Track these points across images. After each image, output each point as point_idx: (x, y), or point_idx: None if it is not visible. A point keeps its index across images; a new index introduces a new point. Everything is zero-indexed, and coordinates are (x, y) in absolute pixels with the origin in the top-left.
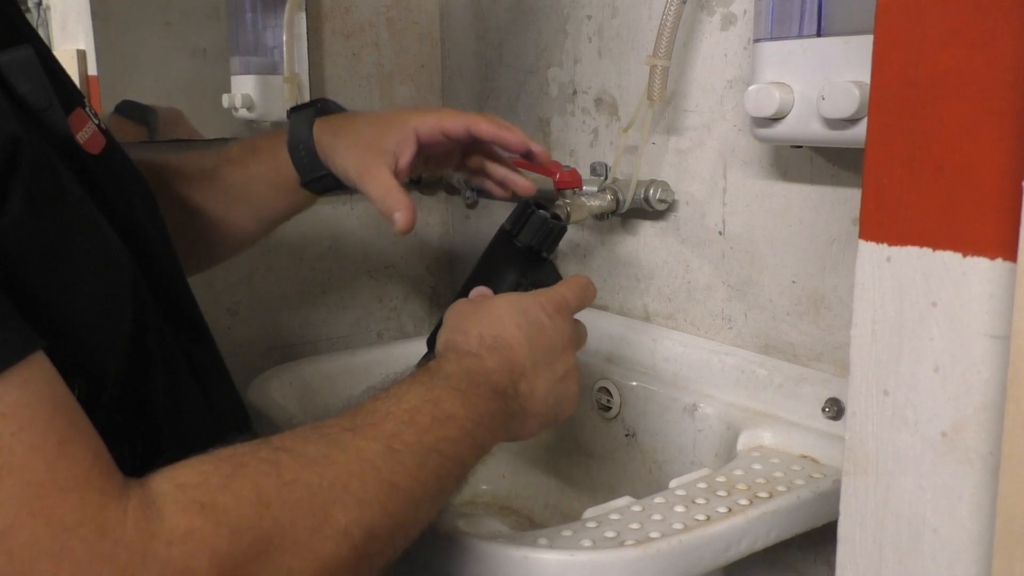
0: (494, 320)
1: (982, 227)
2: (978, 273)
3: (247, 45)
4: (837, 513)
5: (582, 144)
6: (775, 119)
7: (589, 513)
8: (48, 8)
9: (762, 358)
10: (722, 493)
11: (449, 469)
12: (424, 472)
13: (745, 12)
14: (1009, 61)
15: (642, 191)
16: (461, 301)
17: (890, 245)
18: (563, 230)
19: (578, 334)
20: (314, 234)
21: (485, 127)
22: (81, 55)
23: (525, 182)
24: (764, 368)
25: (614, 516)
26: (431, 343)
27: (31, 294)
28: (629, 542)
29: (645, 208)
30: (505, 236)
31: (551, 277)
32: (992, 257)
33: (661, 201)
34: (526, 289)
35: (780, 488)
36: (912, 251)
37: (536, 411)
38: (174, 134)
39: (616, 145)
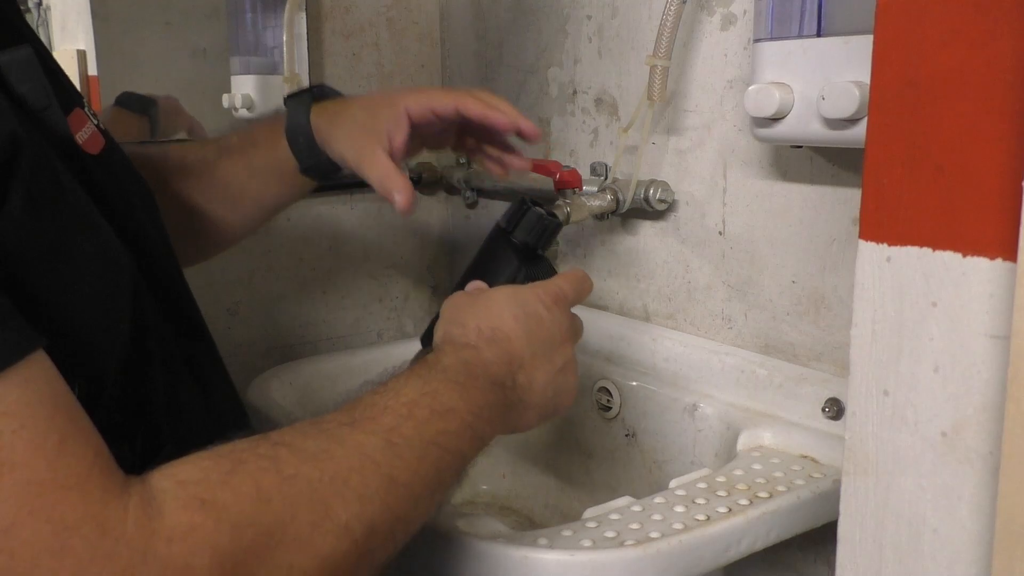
0: (492, 312)
1: (982, 227)
2: (978, 273)
3: (247, 45)
4: (837, 513)
5: (582, 144)
6: (775, 119)
7: (589, 513)
8: (48, 8)
9: (762, 358)
10: (722, 493)
11: (448, 462)
12: (424, 465)
13: (745, 12)
14: (1009, 61)
15: (642, 191)
16: (458, 294)
17: (890, 245)
18: (558, 226)
19: (575, 326)
20: (314, 234)
21: (473, 107)
22: (81, 55)
23: (520, 160)
24: (764, 368)
25: (614, 516)
26: (425, 340)
27: (31, 294)
28: (629, 542)
29: (645, 208)
30: (500, 233)
31: (547, 274)
32: (992, 257)
33: (661, 201)
34: (523, 280)
35: (780, 488)
36: (912, 251)
37: (535, 403)
38: (174, 125)
39: (616, 145)
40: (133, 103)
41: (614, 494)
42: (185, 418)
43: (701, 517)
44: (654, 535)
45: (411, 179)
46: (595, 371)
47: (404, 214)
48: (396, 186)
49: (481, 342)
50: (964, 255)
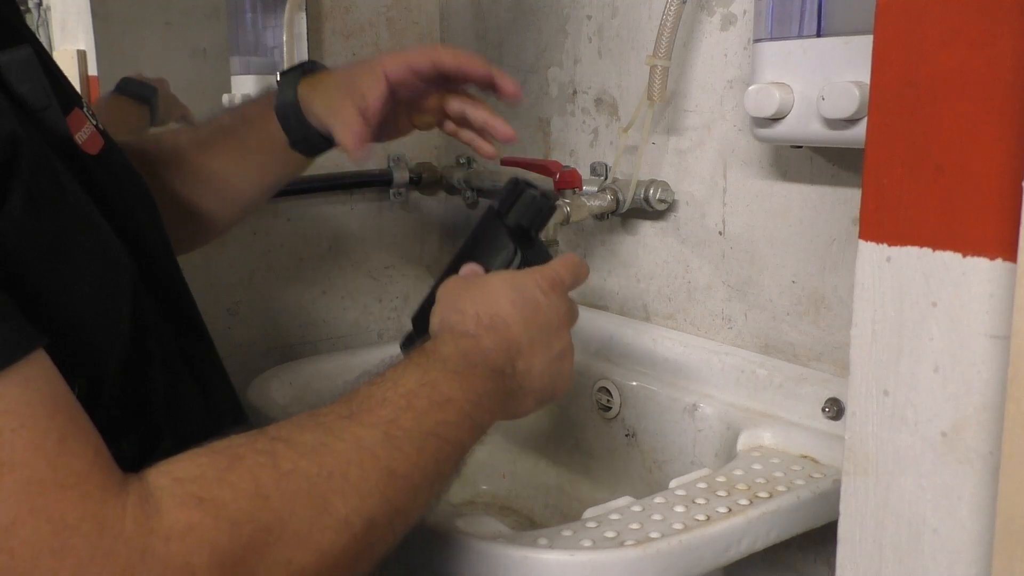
0: (489, 298)
1: (982, 227)
2: (978, 273)
3: (247, 45)
4: (837, 513)
5: (582, 144)
6: (775, 119)
7: (589, 513)
8: (48, 8)
9: (762, 358)
10: (722, 493)
11: (448, 452)
12: (423, 457)
13: (745, 12)
14: (1009, 61)
15: (642, 191)
16: (454, 278)
17: (890, 245)
18: (553, 209)
19: (572, 311)
20: (314, 234)
21: (447, 58)
22: (81, 55)
23: (505, 127)
24: (764, 368)
25: (614, 516)
26: (416, 321)
27: (31, 293)
28: (629, 542)
29: (645, 208)
30: (494, 215)
31: (542, 257)
32: (992, 257)
33: (661, 201)
34: (518, 265)
35: (780, 488)
36: (912, 251)
37: (532, 389)
38: (168, 113)
39: (616, 145)
40: (134, 90)
41: (614, 494)
42: (184, 418)
43: (701, 517)
44: (654, 535)
45: (411, 179)
46: (595, 371)
47: (352, 156)
48: (350, 132)
49: (480, 330)
50: (964, 255)
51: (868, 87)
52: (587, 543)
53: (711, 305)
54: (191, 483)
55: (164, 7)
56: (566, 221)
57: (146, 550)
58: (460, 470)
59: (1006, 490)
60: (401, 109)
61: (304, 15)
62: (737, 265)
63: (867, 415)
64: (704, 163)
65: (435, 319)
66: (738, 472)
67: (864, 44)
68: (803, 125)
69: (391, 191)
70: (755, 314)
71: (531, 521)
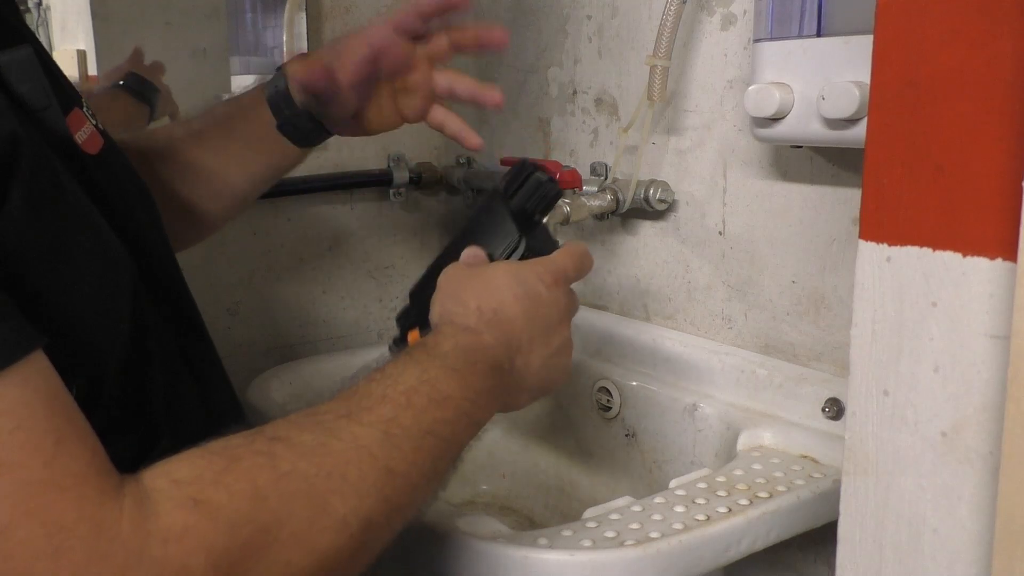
0: (492, 291)
1: (982, 227)
2: (978, 273)
3: (247, 45)
4: (837, 513)
5: (582, 144)
6: (775, 119)
7: (589, 513)
8: (48, 8)
9: (762, 358)
10: (722, 493)
11: (445, 450)
12: (421, 455)
13: (745, 12)
14: (1009, 61)
15: (642, 191)
16: (456, 266)
17: (890, 245)
18: (559, 194)
19: (573, 304)
20: (314, 234)
21: (427, 2)
22: (81, 55)
23: (493, 93)
24: (764, 368)
25: (614, 516)
26: (413, 297)
27: (31, 293)
28: (629, 542)
29: (645, 208)
30: (498, 197)
31: (546, 244)
32: (992, 257)
33: (661, 201)
34: (522, 253)
35: (780, 488)
36: (912, 251)
37: (529, 384)
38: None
39: (616, 145)
40: (137, 88)
41: (614, 494)
42: (184, 418)
43: (701, 517)
44: (654, 535)
45: (411, 179)
46: (595, 371)
47: (306, 89)
48: (310, 69)
49: (481, 325)
50: (964, 255)
51: (868, 87)
52: (587, 543)
53: (711, 305)
54: (188, 485)
55: (164, 7)
56: (566, 221)
57: (143, 552)
58: (457, 467)
59: (1006, 490)
60: (386, 90)
61: (304, 15)
62: (737, 265)
63: (867, 415)
64: (704, 163)
65: (436, 308)
66: (738, 472)
67: (864, 44)
68: (803, 125)
69: (391, 191)
70: (755, 314)
71: (531, 521)
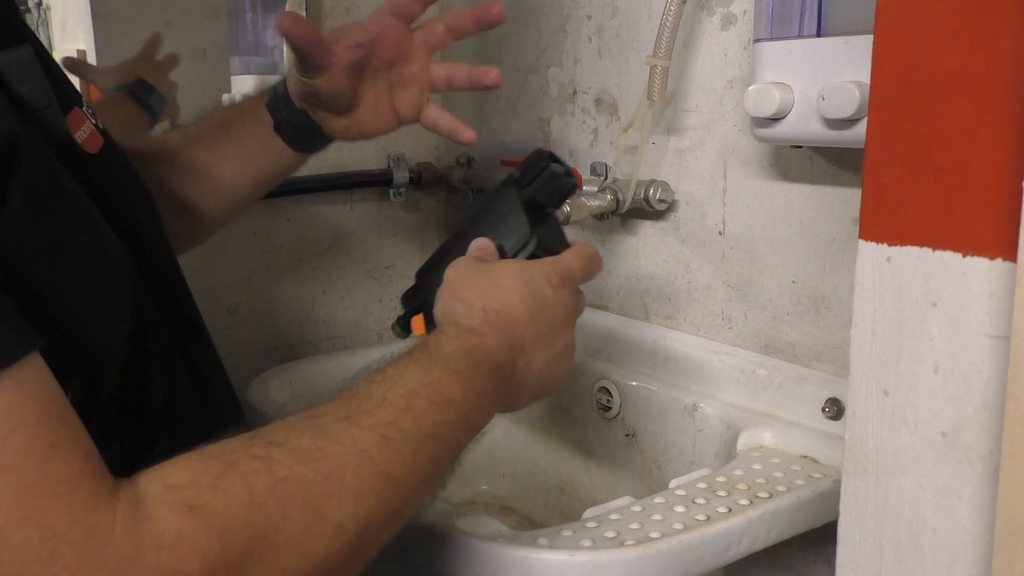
0: (498, 292)
1: (982, 227)
2: (978, 273)
3: (247, 45)
4: (837, 513)
5: (582, 144)
6: (775, 119)
7: (589, 513)
8: (48, 8)
9: (762, 358)
10: (722, 493)
11: (445, 452)
12: (420, 458)
13: (745, 12)
14: (1009, 61)
15: (642, 191)
16: (463, 261)
17: (890, 245)
18: (574, 187)
19: (579, 305)
20: (314, 234)
21: None
22: (81, 55)
23: (490, 72)
24: (764, 368)
25: (614, 516)
26: (420, 277)
27: (31, 294)
28: (629, 542)
29: (645, 208)
30: (512, 186)
31: (557, 237)
32: (992, 257)
33: (661, 201)
34: (532, 248)
35: (780, 488)
36: (912, 251)
37: (530, 386)
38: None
39: (616, 145)
40: (139, 92)
41: (614, 494)
42: (183, 418)
43: (701, 517)
44: (654, 535)
45: (411, 179)
46: (595, 371)
47: (296, 48)
48: (305, 28)
49: (485, 326)
50: (964, 255)
51: (868, 87)
52: (587, 543)
53: (711, 305)
54: (183, 490)
55: (164, 7)
56: (566, 221)
57: (136, 559)
58: (456, 468)
59: (1006, 490)
60: (382, 85)
61: (304, 15)
62: (737, 265)
63: (867, 415)
64: (704, 163)
65: (440, 304)
66: (738, 472)
67: (864, 44)
68: (803, 125)
69: (391, 191)
70: (755, 314)
71: (531, 521)
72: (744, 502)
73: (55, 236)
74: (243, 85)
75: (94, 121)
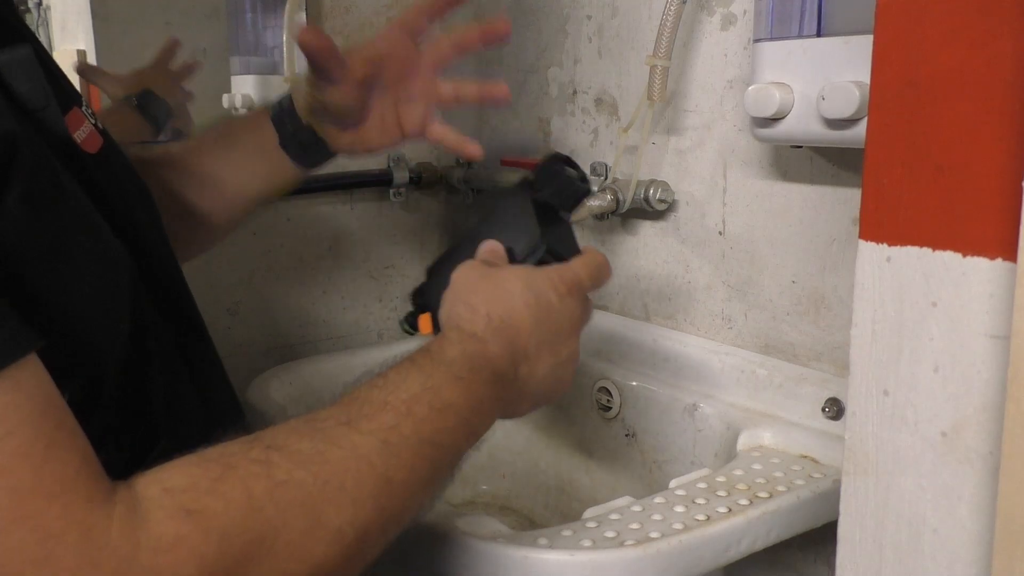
0: (503, 297)
1: (982, 227)
2: (978, 273)
3: (247, 45)
4: (837, 513)
5: (582, 144)
6: (775, 119)
7: (589, 513)
8: (48, 8)
9: (762, 358)
10: (722, 493)
11: (445, 458)
12: (420, 463)
13: (745, 12)
14: (1009, 61)
15: (642, 191)
16: (471, 265)
17: (890, 245)
18: (587, 192)
19: (586, 313)
20: (314, 234)
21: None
22: (81, 55)
23: (499, 88)
24: (764, 368)
25: (614, 516)
26: (431, 273)
27: (30, 293)
28: (629, 542)
29: (645, 208)
30: (527, 188)
31: (567, 243)
32: (992, 257)
33: (661, 201)
34: (542, 253)
35: (780, 488)
36: (912, 251)
37: (531, 393)
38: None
39: (616, 145)
40: (145, 104)
41: (614, 494)
42: (183, 418)
43: (701, 517)
44: (654, 535)
45: (411, 179)
46: (595, 371)
47: (310, 56)
48: (319, 37)
49: (488, 333)
50: (964, 255)
51: (868, 87)
52: (587, 543)
53: (711, 305)
54: (181, 493)
55: (164, 7)
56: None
57: (132, 562)
58: (455, 474)
59: (1006, 490)
60: (389, 100)
61: (304, 15)
62: (737, 265)
63: (867, 415)
64: (704, 163)
65: (445, 308)
66: (738, 472)
67: (864, 44)
68: (803, 125)
69: (391, 191)
70: (755, 314)
71: (531, 521)
72: (744, 502)
73: (54, 236)
74: (243, 85)
75: (93, 121)
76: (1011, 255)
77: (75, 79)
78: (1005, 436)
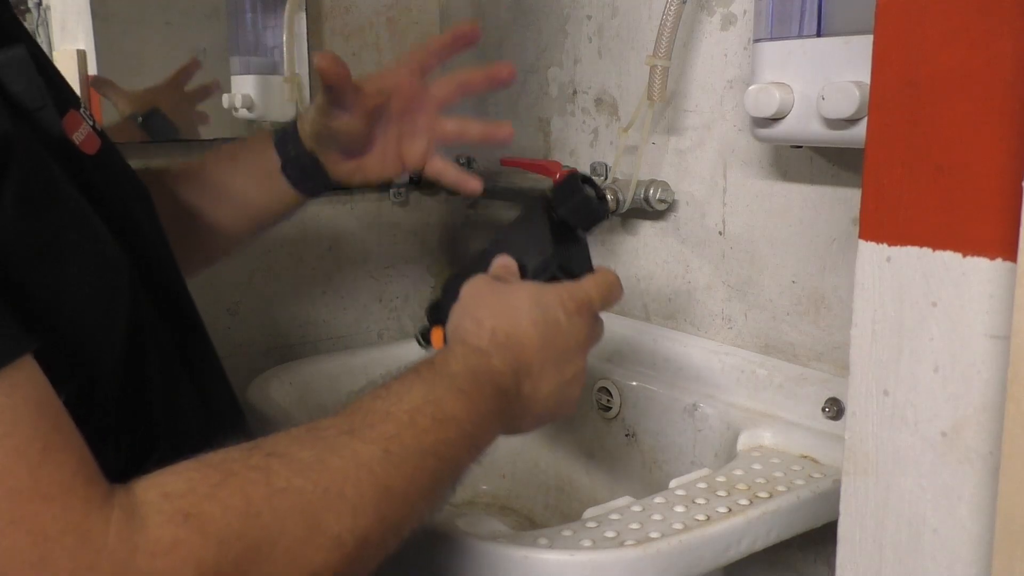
0: (510, 313)
1: (982, 227)
2: (978, 273)
3: (247, 45)
4: (837, 513)
5: (582, 144)
6: (775, 119)
7: (589, 513)
8: (48, 8)
9: (762, 358)
10: (722, 493)
11: (446, 470)
12: (420, 474)
13: (745, 12)
14: (1009, 61)
15: (642, 191)
16: (481, 280)
17: (890, 245)
18: (607, 213)
19: (595, 332)
20: (314, 234)
21: (436, 40)
22: (81, 55)
23: (504, 129)
24: (764, 368)
25: (614, 516)
26: (446, 290)
27: (27, 294)
28: (629, 542)
29: (645, 208)
30: (545, 205)
31: (581, 261)
32: (992, 257)
33: (661, 201)
34: (553, 270)
35: (780, 488)
36: (912, 251)
37: (535, 411)
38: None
39: (616, 145)
40: (153, 127)
41: (614, 494)
42: (182, 418)
43: (701, 517)
44: (654, 535)
45: (411, 179)
46: (595, 371)
47: (324, 77)
48: (335, 62)
49: (492, 347)
50: (964, 255)
51: (868, 87)
52: (587, 543)
53: (711, 305)
54: (180, 498)
55: (164, 7)
56: None
57: (129, 565)
58: (456, 488)
59: (1006, 490)
60: (392, 134)
61: (304, 15)
62: (737, 265)
63: (867, 415)
64: (704, 163)
65: (452, 321)
66: (738, 472)
67: (864, 44)
68: (803, 125)
69: (391, 191)
70: (755, 314)
71: (531, 521)
72: (744, 502)
73: (51, 237)
74: (243, 85)
75: (91, 123)
76: (1011, 255)
77: (75, 83)
78: (1005, 436)
